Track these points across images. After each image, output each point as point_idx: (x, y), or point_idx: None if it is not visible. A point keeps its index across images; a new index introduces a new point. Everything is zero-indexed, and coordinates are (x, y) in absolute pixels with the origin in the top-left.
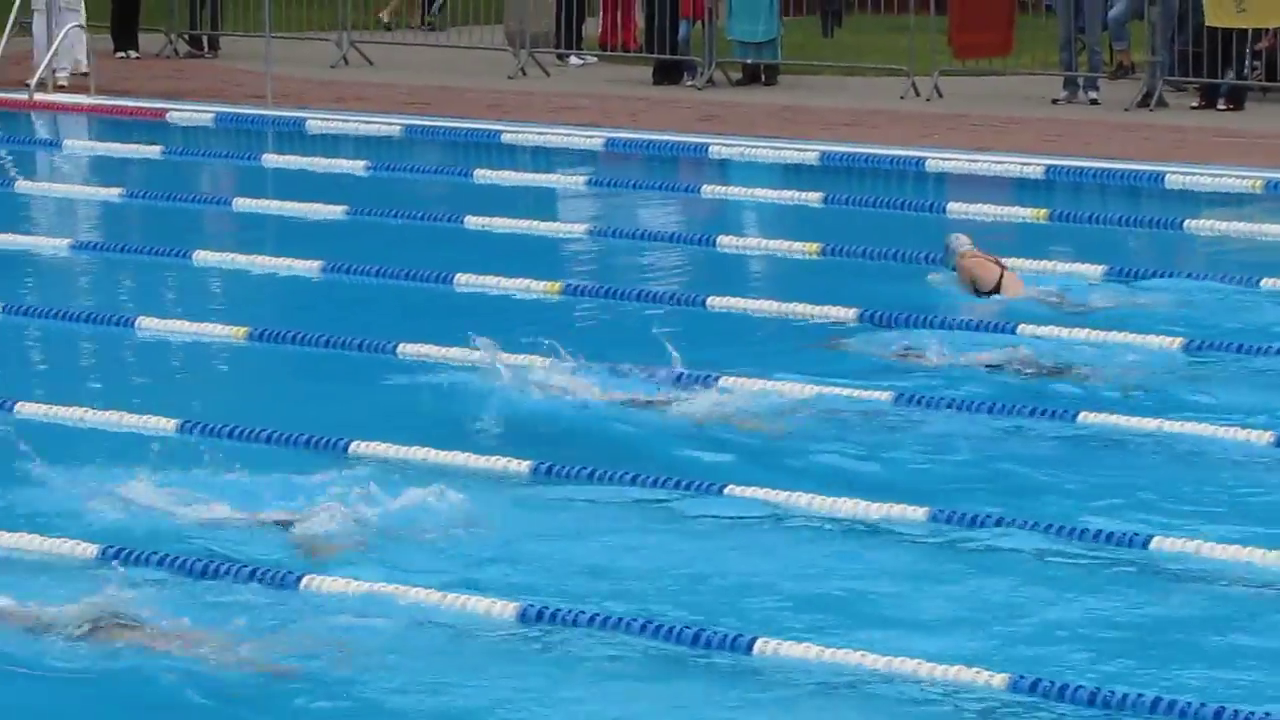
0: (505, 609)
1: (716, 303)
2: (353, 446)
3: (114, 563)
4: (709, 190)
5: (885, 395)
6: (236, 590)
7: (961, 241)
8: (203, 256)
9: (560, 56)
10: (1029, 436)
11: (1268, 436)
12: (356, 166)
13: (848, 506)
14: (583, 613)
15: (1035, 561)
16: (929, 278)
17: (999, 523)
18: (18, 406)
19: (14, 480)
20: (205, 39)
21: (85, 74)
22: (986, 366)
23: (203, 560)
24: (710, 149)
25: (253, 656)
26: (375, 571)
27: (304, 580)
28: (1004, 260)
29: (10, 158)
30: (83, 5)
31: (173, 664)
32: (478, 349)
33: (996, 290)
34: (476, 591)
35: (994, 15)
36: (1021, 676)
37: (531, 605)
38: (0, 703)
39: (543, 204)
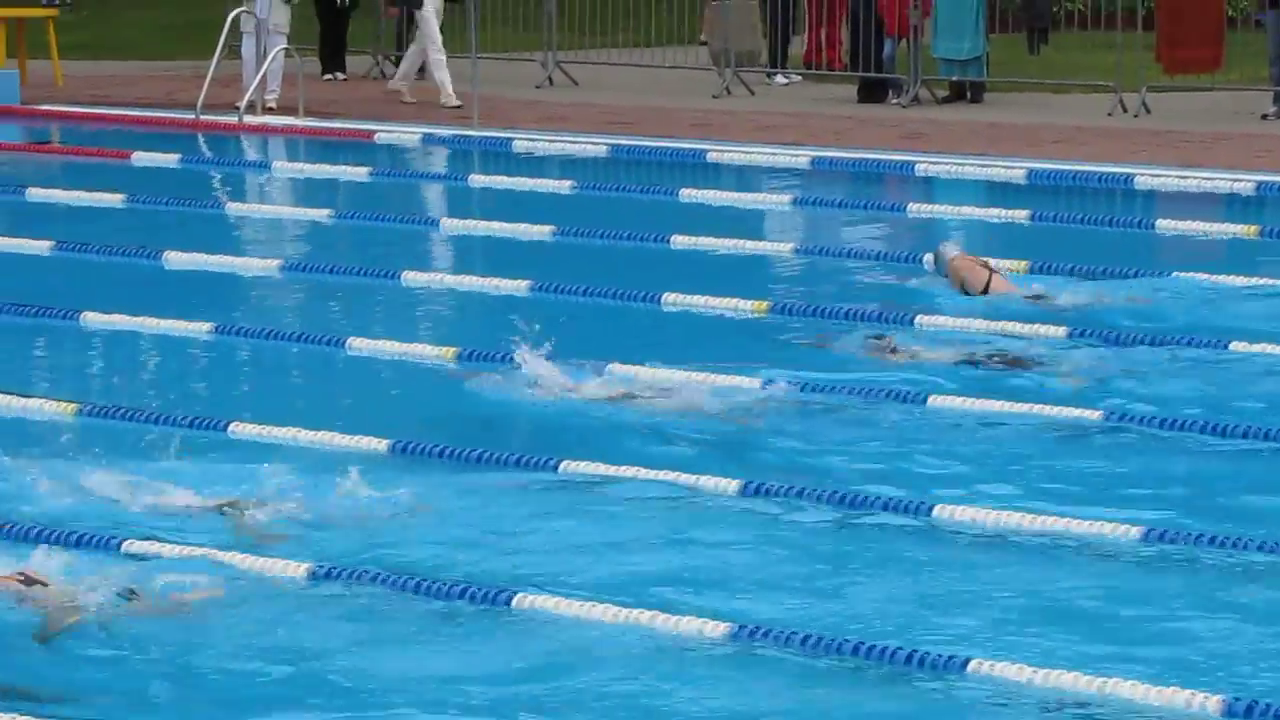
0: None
1: (925, 321)
2: (563, 465)
3: (327, 581)
4: (914, 208)
5: (1094, 414)
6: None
7: (950, 247)
8: (411, 277)
9: (767, 75)
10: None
11: None
12: (563, 186)
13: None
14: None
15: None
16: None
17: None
18: (231, 426)
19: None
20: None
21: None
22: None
23: (429, 580)
24: (916, 167)
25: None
26: None
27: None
28: (993, 263)
29: (220, 180)
30: (288, 27)
31: None
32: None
33: (985, 292)
34: None
35: (1204, 31)
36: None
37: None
38: None
39: (749, 223)
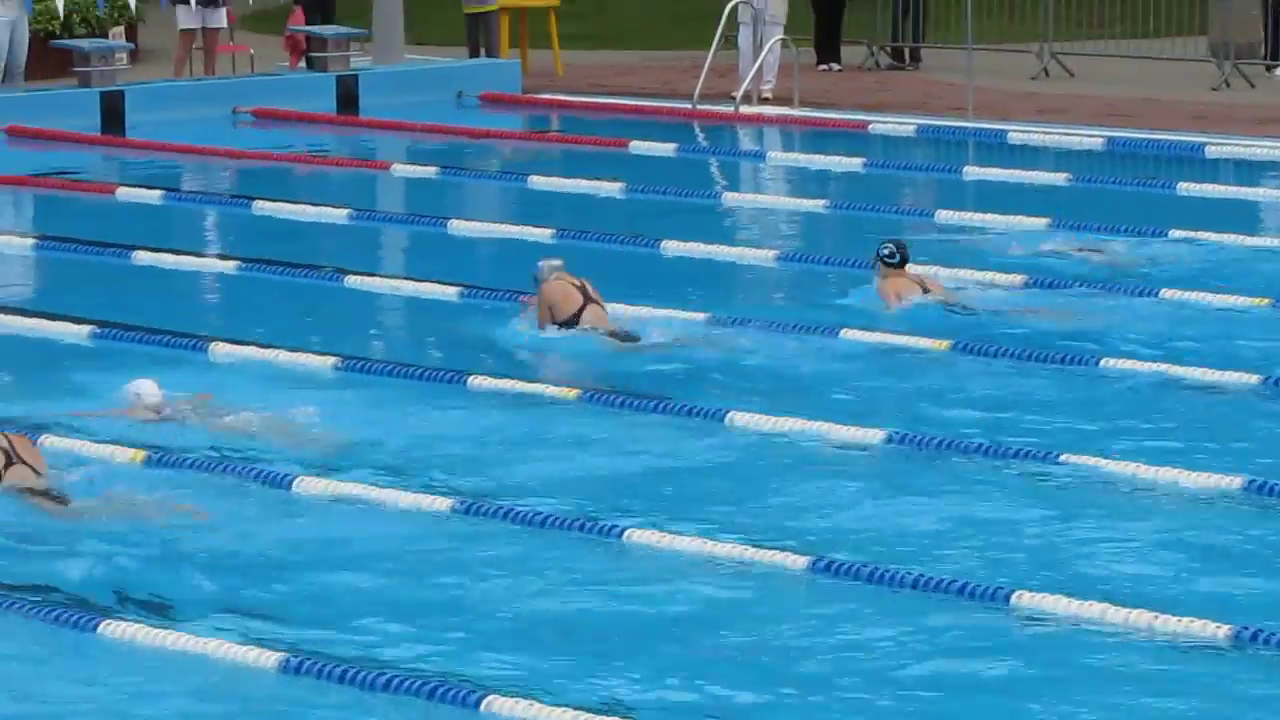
0: None
1: None
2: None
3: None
4: None
5: None
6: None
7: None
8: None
9: (1268, 68)
10: None
11: None
12: (1057, 179)
13: None
14: None
15: None
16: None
17: None
18: (730, 416)
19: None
20: (907, 51)
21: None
22: None
23: (906, 570)
24: None
25: None
26: None
27: None
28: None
29: (717, 169)
30: (784, 18)
31: None
32: None
33: None
34: None
35: None
36: None
37: None
38: None
39: (1247, 218)
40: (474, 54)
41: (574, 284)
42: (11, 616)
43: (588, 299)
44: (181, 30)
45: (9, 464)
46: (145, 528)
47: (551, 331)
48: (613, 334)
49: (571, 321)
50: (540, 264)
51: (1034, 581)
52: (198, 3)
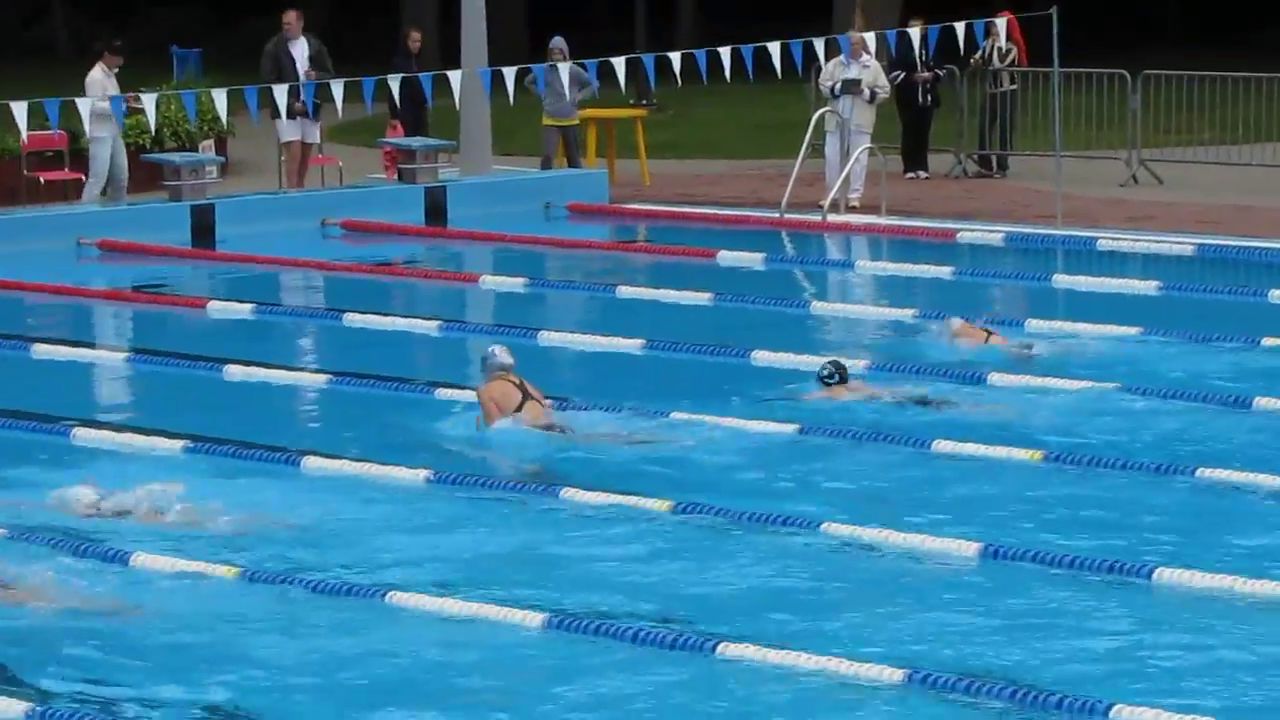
0: None
1: None
2: (1154, 573)
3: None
4: None
5: None
6: None
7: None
8: (995, 379)
9: None
10: None
11: None
12: (1148, 287)
13: None
14: None
15: None
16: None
17: None
18: (824, 526)
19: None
20: (994, 159)
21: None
22: None
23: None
24: None
25: None
26: None
27: None
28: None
29: (805, 278)
30: (870, 126)
31: None
32: None
33: None
34: None
35: None
36: None
37: None
38: None
39: None
40: (545, 165)
41: (513, 382)
42: None
43: (526, 395)
44: (285, 142)
45: None
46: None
47: (504, 424)
48: (548, 427)
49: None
50: (493, 350)
51: (1133, 691)
52: (303, 112)
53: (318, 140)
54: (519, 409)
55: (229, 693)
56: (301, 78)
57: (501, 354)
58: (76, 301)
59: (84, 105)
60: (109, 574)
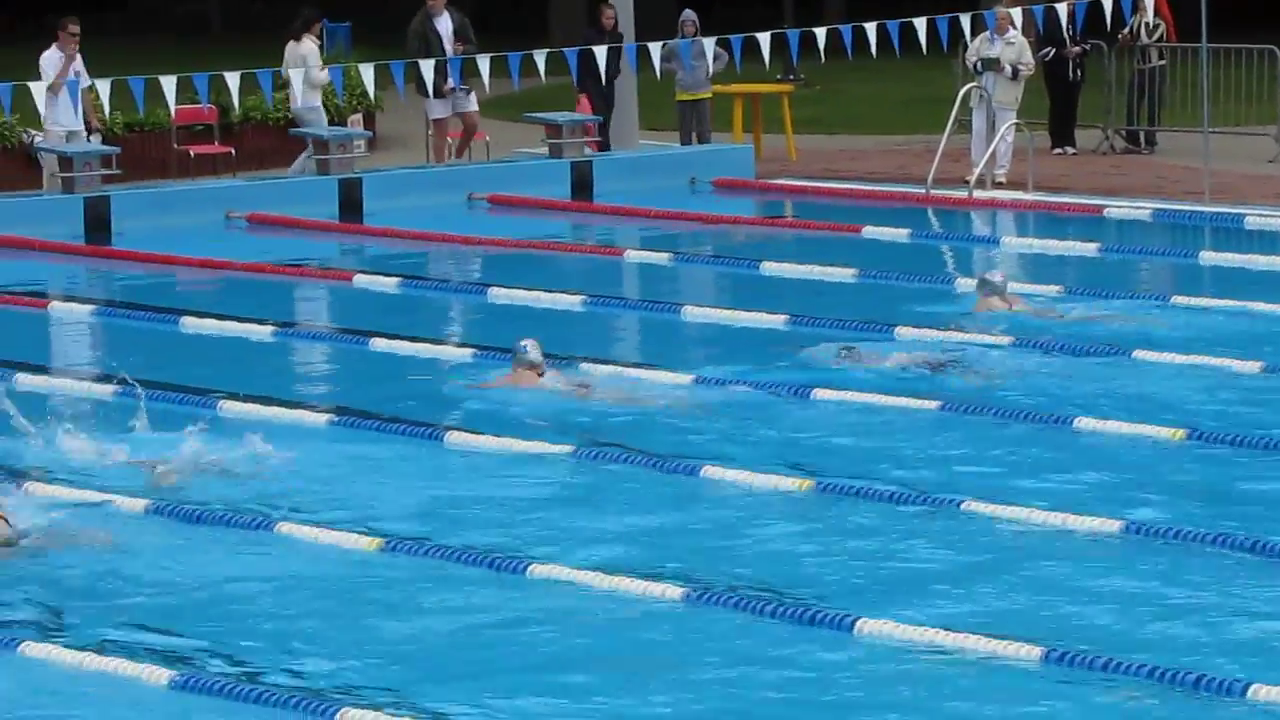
0: None
1: None
2: None
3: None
4: None
5: None
6: None
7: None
8: (1141, 355)
9: None
10: None
11: None
12: None
13: None
14: None
15: None
16: None
17: None
18: (964, 504)
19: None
20: (1142, 135)
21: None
22: None
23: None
24: None
25: None
26: None
27: None
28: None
29: (950, 254)
30: (1014, 103)
31: None
32: None
33: None
34: None
35: None
36: None
37: None
38: None
39: None
40: (685, 141)
41: (539, 374)
42: None
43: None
44: (435, 120)
45: None
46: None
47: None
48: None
49: None
50: (524, 347)
51: (1274, 673)
52: (451, 92)
53: (475, 109)
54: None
55: (358, 661)
56: (449, 53)
57: (533, 350)
58: (224, 275)
59: (296, 76)
60: (265, 543)
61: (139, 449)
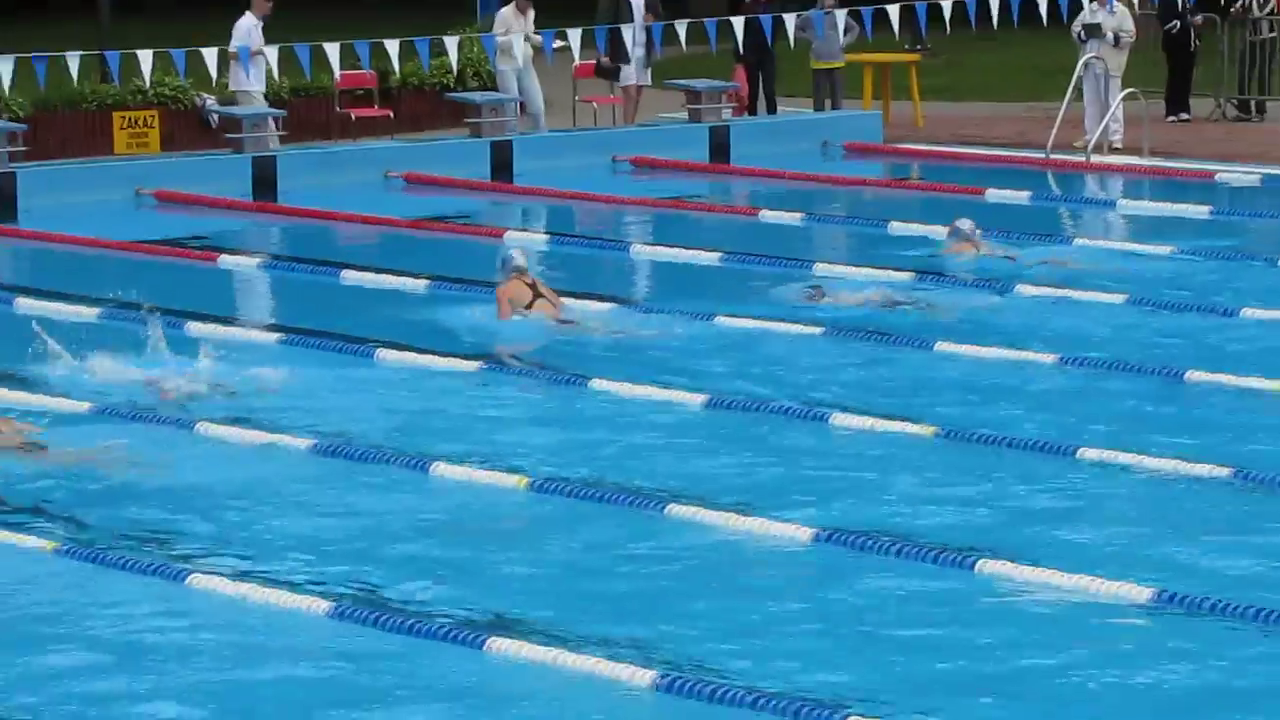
0: None
1: None
2: None
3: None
4: None
5: None
6: None
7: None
8: (1249, 313)
9: None
10: None
11: None
12: None
13: None
14: None
15: None
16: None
17: None
18: (1079, 451)
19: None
20: (1253, 104)
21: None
22: None
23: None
24: None
25: None
26: None
27: None
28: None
29: (1069, 217)
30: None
31: None
32: None
33: None
34: None
35: None
36: None
37: None
38: None
39: None
40: (819, 107)
41: (526, 283)
42: None
43: (536, 294)
44: (624, 86)
45: None
46: None
47: (517, 318)
48: (560, 321)
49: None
50: (511, 254)
51: None
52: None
53: (648, 82)
54: (529, 306)
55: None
56: (639, 21)
57: (518, 256)
58: (382, 230)
59: (488, 41)
60: (412, 482)
61: (297, 396)
